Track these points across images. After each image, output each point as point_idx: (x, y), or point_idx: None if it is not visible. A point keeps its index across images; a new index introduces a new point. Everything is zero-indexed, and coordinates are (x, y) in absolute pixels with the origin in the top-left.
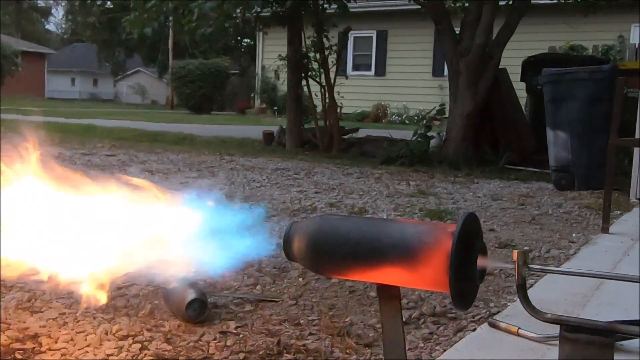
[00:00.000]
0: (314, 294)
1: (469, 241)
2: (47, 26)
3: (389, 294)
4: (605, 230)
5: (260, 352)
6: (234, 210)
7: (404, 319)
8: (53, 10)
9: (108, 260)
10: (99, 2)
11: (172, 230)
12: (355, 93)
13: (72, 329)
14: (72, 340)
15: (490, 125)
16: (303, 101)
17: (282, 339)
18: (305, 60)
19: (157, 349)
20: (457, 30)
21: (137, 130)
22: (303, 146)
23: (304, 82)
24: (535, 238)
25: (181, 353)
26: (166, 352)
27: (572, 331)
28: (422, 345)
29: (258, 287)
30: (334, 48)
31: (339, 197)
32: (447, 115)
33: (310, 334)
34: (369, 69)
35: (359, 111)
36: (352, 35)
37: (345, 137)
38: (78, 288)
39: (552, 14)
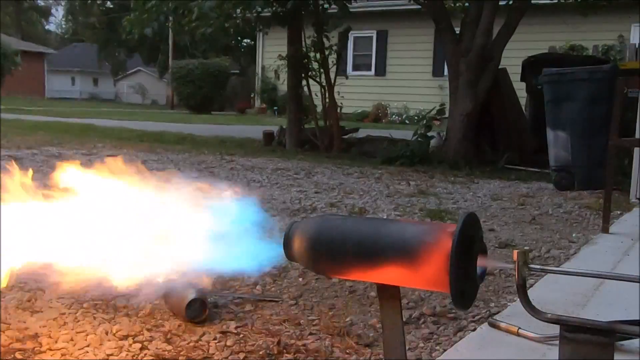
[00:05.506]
0: (314, 294)
1: (469, 241)
2: (47, 26)
3: (389, 294)
4: (605, 230)
5: (260, 352)
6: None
7: (404, 319)
8: (53, 10)
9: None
10: (99, 2)
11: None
12: (355, 93)
13: (72, 329)
14: (72, 340)
15: (490, 125)
16: (303, 101)
17: (282, 339)
18: (306, 60)
19: (157, 349)
20: (457, 30)
21: (138, 130)
22: (303, 146)
23: (304, 82)
24: (535, 238)
25: (181, 353)
26: (166, 352)
27: (572, 331)
28: (422, 345)
29: (258, 287)
30: (334, 48)
31: (339, 197)
32: (447, 115)
33: (310, 334)
34: (369, 69)
35: (359, 111)
36: (352, 35)
37: (346, 137)
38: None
39: (552, 14)
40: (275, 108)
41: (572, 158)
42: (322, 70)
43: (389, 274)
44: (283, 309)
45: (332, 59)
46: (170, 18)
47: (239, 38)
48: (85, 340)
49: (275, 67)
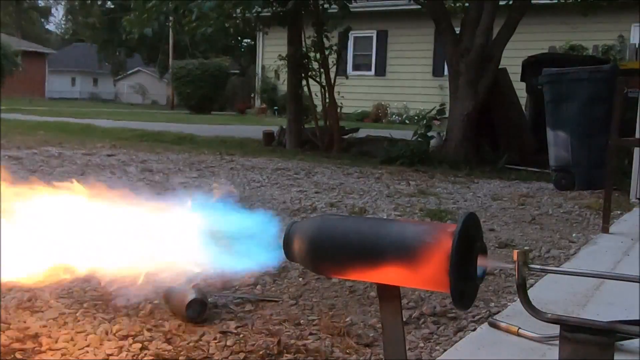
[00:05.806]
0: (314, 294)
1: (469, 241)
2: (47, 26)
3: (389, 294)
4: (605, 230)
5: (260, 352)
6: None
7: (404, 319)
8: (53, 10)
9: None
10: (99, 2)
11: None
12: (355, 93)
13: (72, 329)
14: (72, 340)
15: (490, 125)
16: (303, 101)
17: (282, 339)
18: (305, 60)
19: (157, 349)
20: (457, 30)
21: (138, 130)
22: (303, 146)
23: (304, 82)
24: (535, 238)
25: (181, 353)
26: (166, 352)
27: (572, 331)
28: (422, 345)
29: (258, 287)
30: (334, 48)
31: (339, 197)
32: (447, 115)
33: (310, 334)
34: (369, 69)
35: (359, 111)
36: (352, 35)
37: (346, 137)
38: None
39: (552, 14)
40: (275, 108)
41: (572, 158)
42: (322, 70)
43: (389, 274)
44: (283, 309)
45: (332, 59)
46: (170, 18)
47: (239, 38)
48: (85, 340)
49: (275, 67)
